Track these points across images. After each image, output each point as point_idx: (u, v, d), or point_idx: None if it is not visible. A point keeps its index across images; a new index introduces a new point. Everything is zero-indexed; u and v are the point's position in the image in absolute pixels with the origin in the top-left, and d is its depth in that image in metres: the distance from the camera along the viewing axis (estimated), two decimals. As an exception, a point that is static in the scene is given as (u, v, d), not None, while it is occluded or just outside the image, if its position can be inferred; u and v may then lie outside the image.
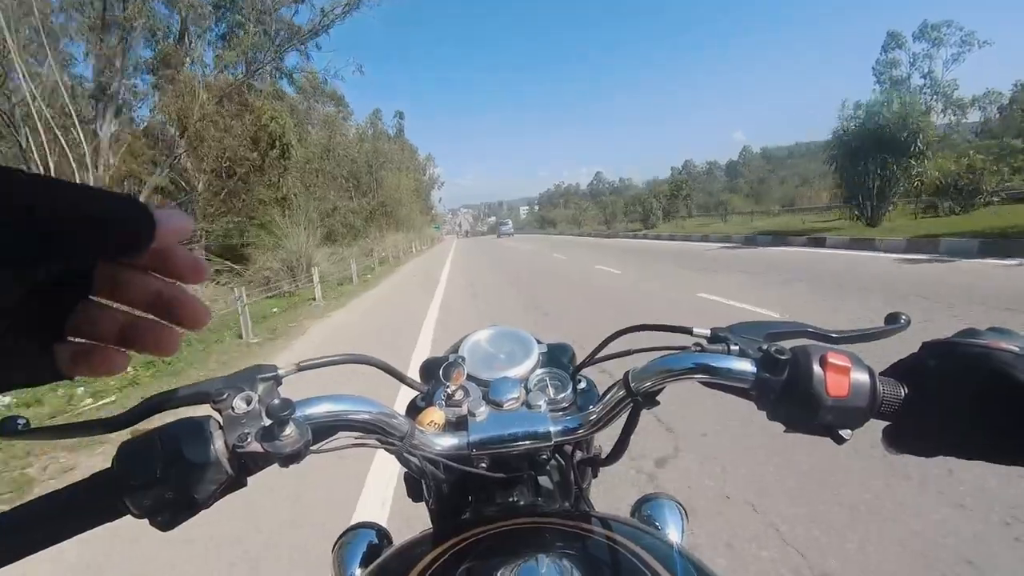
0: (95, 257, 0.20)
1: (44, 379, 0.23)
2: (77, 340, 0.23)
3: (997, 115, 34.94)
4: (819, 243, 11.26)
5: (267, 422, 0.35)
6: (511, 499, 0.52)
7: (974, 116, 33.54)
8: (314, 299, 9.05)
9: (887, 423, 0.36)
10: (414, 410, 0.53)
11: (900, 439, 0.36)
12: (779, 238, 13.04)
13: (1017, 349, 0.31)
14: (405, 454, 0.44)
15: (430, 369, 0.58)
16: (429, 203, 63.43)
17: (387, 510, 2.04)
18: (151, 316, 0.24)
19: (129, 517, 0.33)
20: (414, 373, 0.63)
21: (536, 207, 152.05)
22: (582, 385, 0.55)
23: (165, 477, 0.32)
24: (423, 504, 0.57)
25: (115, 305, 0.24)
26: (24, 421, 0.37)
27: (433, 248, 37.42)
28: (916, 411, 0.34)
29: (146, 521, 0.33)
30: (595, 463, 0.56)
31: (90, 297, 0.23)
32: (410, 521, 1.65)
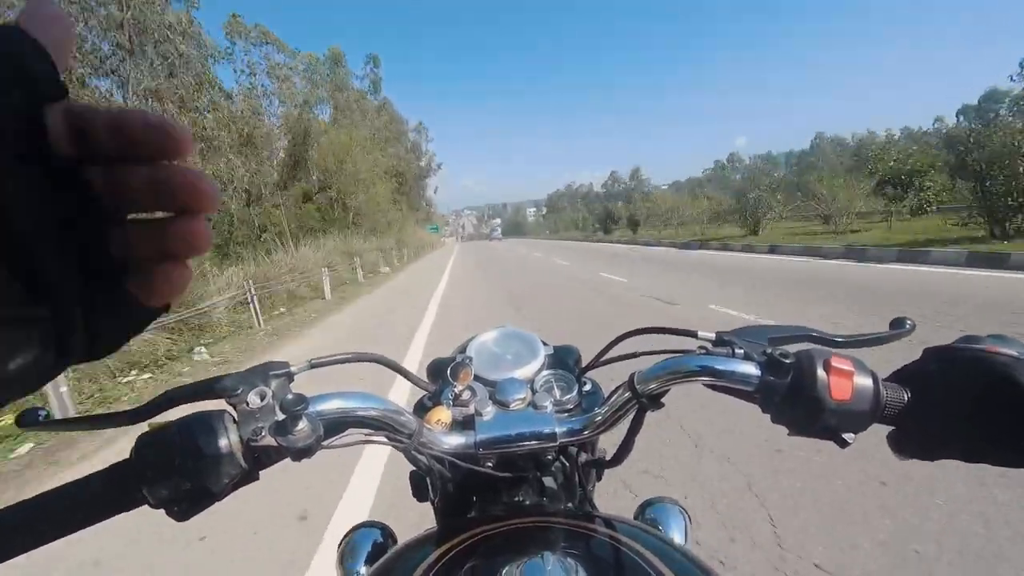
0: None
1: (146, 318, 0.21)
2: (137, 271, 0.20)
3: None
4: None
5: (280, 417, 0.36)
6: (516, 499, 0.52)
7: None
8: None
9: (891, 427, 0.37)
10: (422, 409, 0.54)
11: (905, 443, 0.36)
12: None
13: (1016, 353, 0.32)
14: (413, 452, 0.45)
15: (438, 369, 0.59)
16: (423, 196, 47.68)
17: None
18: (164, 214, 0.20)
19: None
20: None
21: (544, 209, 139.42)
22: (587, 387, 0.56)
23: (182, 469, 0.33)
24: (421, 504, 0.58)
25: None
26: (45, 412, 0.38)
27: (416, 266, 20.37)
28: (919, 415, 0.35)
29: (162, 511, 0.34)
30: (600, 465, 0.57)
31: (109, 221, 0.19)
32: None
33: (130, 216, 0.19)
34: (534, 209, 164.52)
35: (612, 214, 38.90)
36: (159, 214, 0.20)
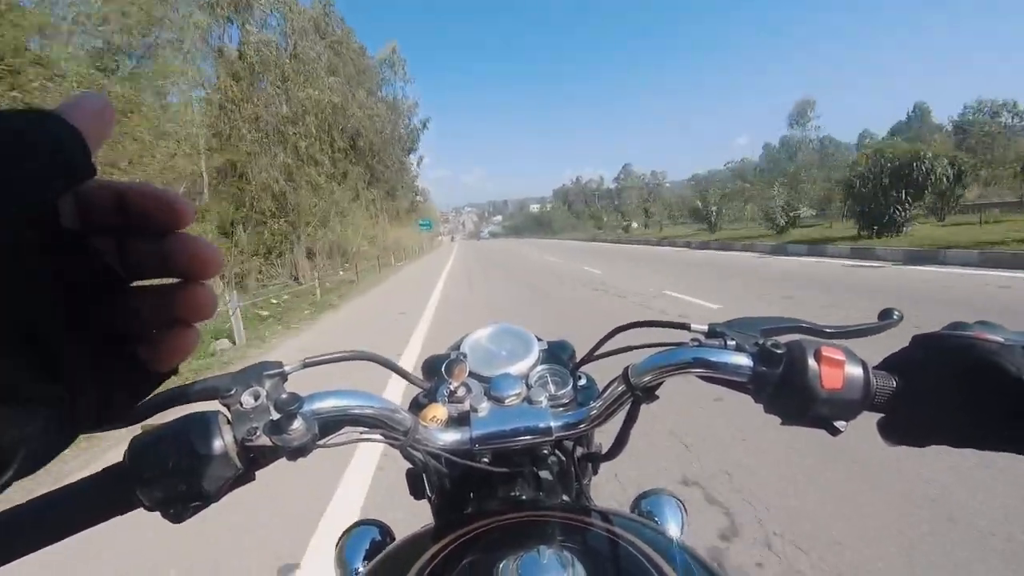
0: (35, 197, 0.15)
1: (154, 383, 0.21)
2: (148, 336, 0.21)
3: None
4: None
5: (275, 416, 0.36)
6: (513, 493, 0.53)
7: None
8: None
9: (881, 415, 0.37)
10: (417, 406, 0.54)
11: (894, 430, 0.37)
12: None
13: (1002, 340, 0.32)
14: (409, 449, 0.45)
15: (433, 366, 0.59)
16: (407, 178, 32.56)
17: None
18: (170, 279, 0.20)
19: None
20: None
21: (549, 206, 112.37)
22: (582, 381, 0.56)
23: (176, 470, 0.33)
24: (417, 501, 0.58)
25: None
26: None
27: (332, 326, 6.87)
28: (908, 402, 0.35)
29: (158, 514, 0.34)
30: (595, 458, 0.57)
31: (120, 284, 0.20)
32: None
33: (135, 284, 0.20)
34: (538, 206, 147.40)
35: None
36: (165, 280, 0.20)
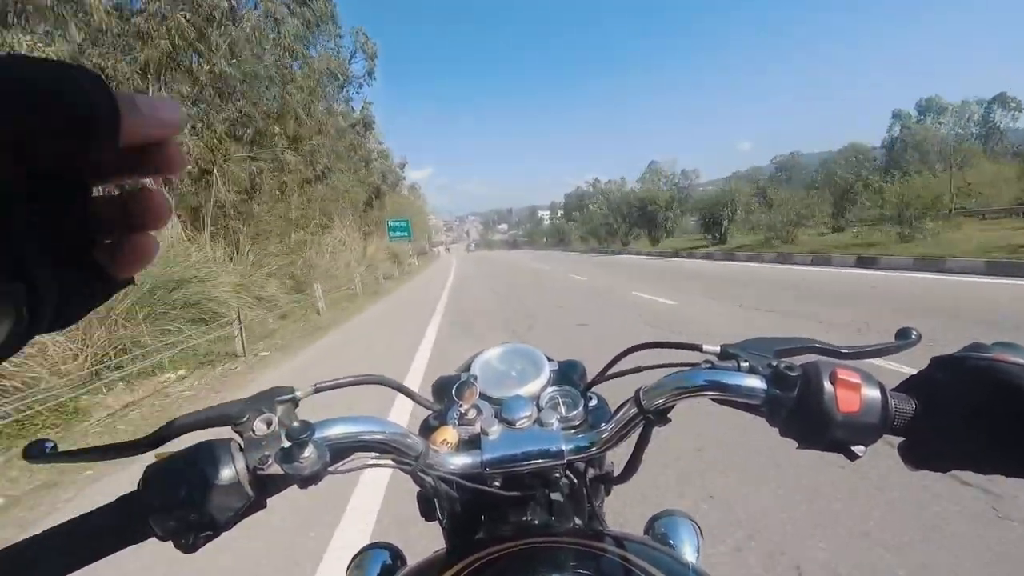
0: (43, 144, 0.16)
1: (112, 289, 0.21)
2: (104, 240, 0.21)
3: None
4: None
5: (286, 444, 0.36)
6: (524, 517, 0.52)
7: None
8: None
9: (902, 438, 0.36)
10: (427, 429, 0.54)
11: (916, 454, 0.36)
12: None
13: (1023, 362, 0.31)
14: (419, 473, 0.45)
15: (442, 388, 0.59)
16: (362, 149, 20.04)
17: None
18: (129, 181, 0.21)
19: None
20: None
21: (560, 212, 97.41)
22: (593, 402, 0.55)
23: (189, 500, 0.33)
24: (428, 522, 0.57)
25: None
26: (52, 444, 0.38)
27: None
28: (928, 425, 0.34)
29: (170, 543, 0.34)
30: (608, 480, 0.56)
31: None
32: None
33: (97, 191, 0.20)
34: (547, 212, 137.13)
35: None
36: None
